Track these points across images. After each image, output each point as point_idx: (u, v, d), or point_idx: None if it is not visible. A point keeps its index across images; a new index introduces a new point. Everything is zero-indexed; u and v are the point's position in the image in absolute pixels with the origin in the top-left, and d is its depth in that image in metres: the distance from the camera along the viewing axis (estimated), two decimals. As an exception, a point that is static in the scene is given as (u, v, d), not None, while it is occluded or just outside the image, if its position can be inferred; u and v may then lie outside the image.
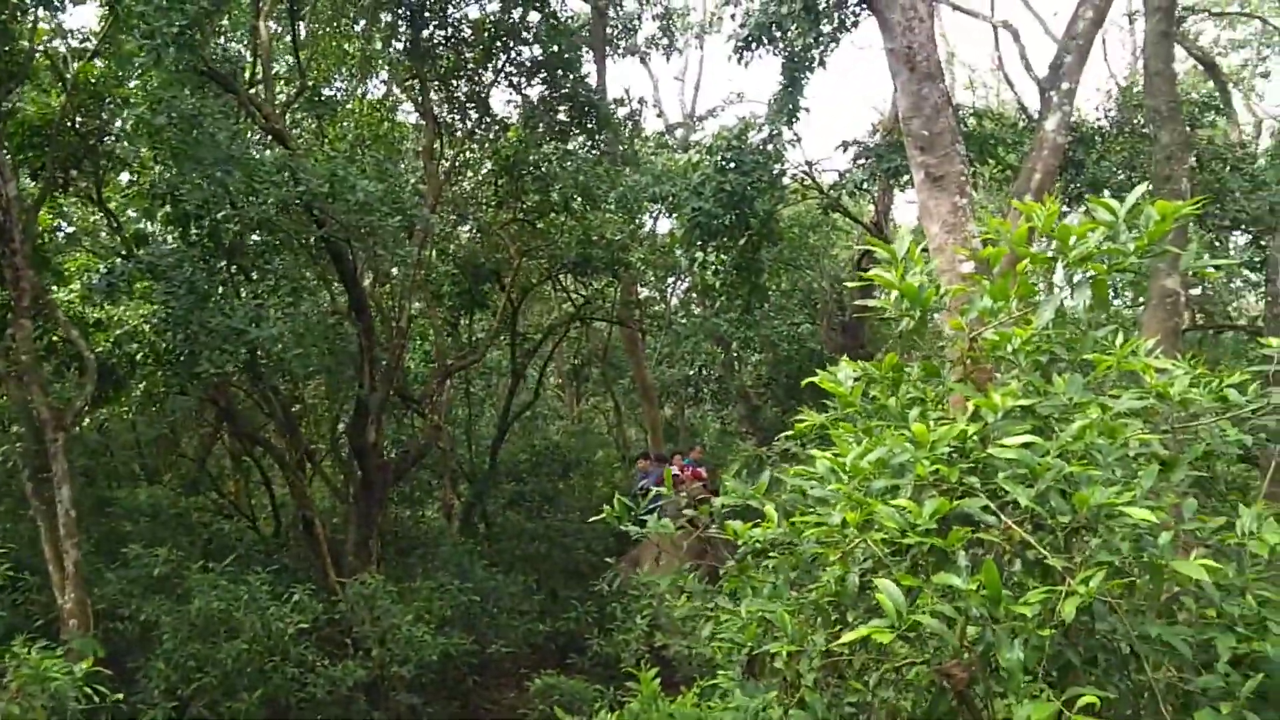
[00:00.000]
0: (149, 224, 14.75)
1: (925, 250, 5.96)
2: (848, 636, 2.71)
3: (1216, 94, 16.36)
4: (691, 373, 21.54)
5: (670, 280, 20.57)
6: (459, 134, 13.94)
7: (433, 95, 13.26)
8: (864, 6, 12.00)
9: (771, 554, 3.66)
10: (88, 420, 12.36)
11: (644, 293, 19.97)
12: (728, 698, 4.43)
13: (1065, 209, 19.78)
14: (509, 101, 14.26)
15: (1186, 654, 2.63)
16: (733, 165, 13.94)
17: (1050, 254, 3.29)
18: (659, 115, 33.46)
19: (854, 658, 3.31)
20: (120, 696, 6.37)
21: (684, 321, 18.98)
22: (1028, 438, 2.82)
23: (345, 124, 13.37)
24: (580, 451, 17.50)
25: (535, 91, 14.22)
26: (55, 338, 11.43)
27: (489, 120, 13.68)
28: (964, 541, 2.70)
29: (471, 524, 14.89)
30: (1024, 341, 3.07)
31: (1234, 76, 20.96)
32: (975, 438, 2.95)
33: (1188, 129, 11.59)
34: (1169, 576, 2.64)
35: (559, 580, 13.44)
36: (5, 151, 10.04)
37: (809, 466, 3.28)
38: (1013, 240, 3.34)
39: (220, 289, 10.62)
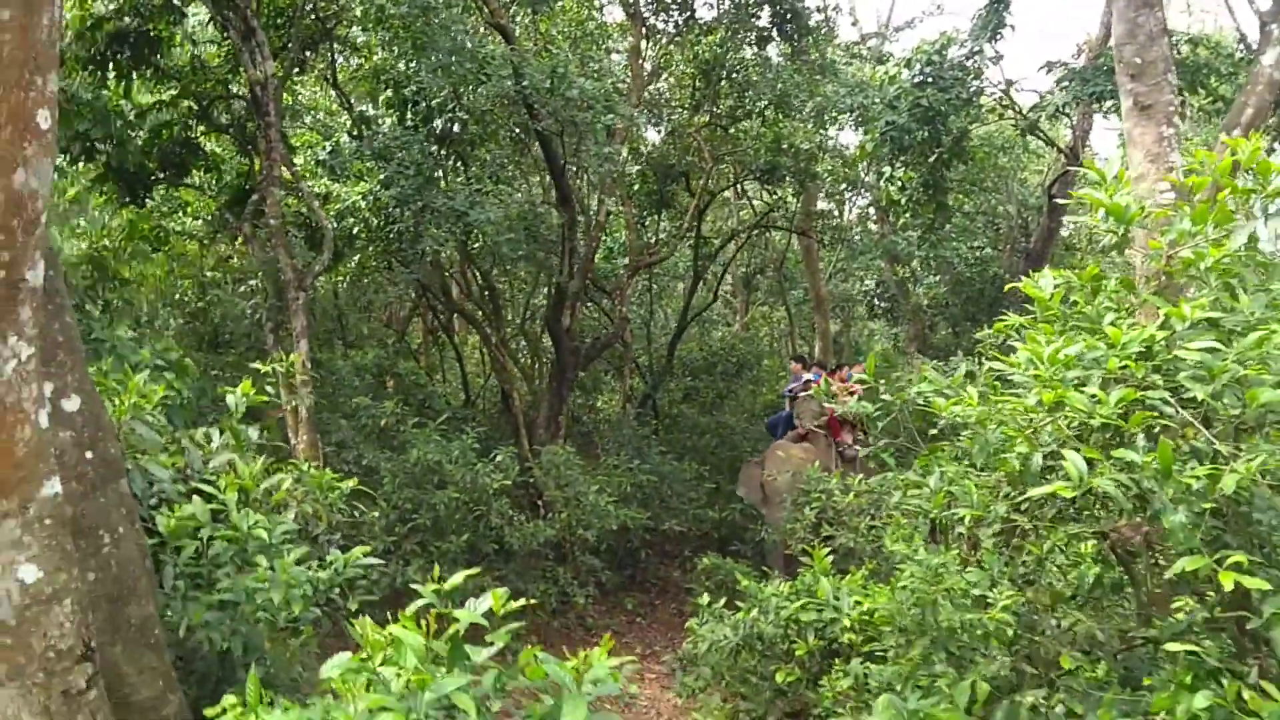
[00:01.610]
0: (370, 107, 15.89)
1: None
2: (1034, 492, 3.23)
3: None
4: (865, 288, 21.77)
5: (850, 194, 20.72)
6: (662, 36, 14.39)
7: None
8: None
9: (962, 436, 4.19)
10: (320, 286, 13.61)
11: (822, 205, 20.20)
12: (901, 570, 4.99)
13: (1276, 146, 18.94)
14: (710, 4, 14.49)
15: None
16: (930, 80, 14.00)
17: (1250, 187, 3.65)
18: (854, 24, 32.93)
19: (1031, 528, 3.84)
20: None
21: (861, 237, 19.20)
22: (1211, 343, 3.25)
23: (558, 20, 14.01)
24: (750, 356, 18.07)
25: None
26: (293, 207, 12.60)
27: (692, 22, 14.07)
28: (1143, 426, 3.18)
29: (646, 414, 15.76)
30: (1216, 261, 3.47)
31: None
32: (1162, 342, 3.39)
33: None
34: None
35: (725, 474, 14.16)
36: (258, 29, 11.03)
37: (1009, 361, 3.78)
38: (1216, 171, 3.70)
39: (440, 173, 11.55)
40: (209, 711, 2.72)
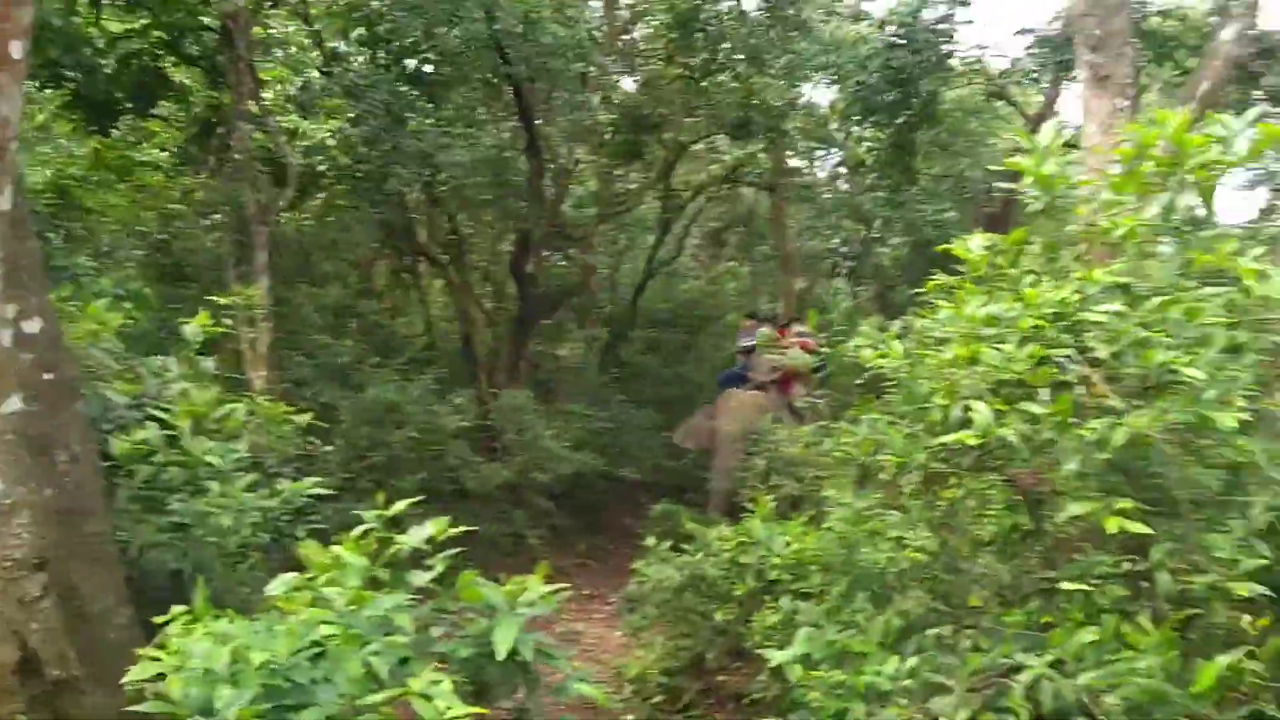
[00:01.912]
0: (342, 44, 15.81)
1: (1073, 147, 6.36)
2: (945, 438, 3.45)
3: None
4: (831, 247, 21.95)
5: (820, 153, 20.83)
6: (638, -13, 14.40)
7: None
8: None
9: (890, 389, 4.41)
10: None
11: (792, 162, 20.29)
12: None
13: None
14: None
15: (1211, 485, 3.30)
16: (903, 42, 14.10)
17: (1172, 159, 3.85)
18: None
19: (948, 475, 4.07)
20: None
21: (829, 196, 19.36)
22: (1117, 306, 3.46)
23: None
24: (715, 310, 18.25)
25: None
26: (260, 141, 12.58)
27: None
28: (1048, 381, 3.40)
29: (608, 363, 15.95)
30: (1130, 230, 3.67)
31: None
32: (1075, 304, 3.59)
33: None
34: (1210, 427, 3.27)
35: (684, 425, 14.36)
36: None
37: (932, 317, 3.99)
38: (1140, 143, 3.89)
39: (410, 114, 11.57)
40: (158, 620, 2.88)
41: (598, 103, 13.29)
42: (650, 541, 7.85)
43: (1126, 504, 3.13)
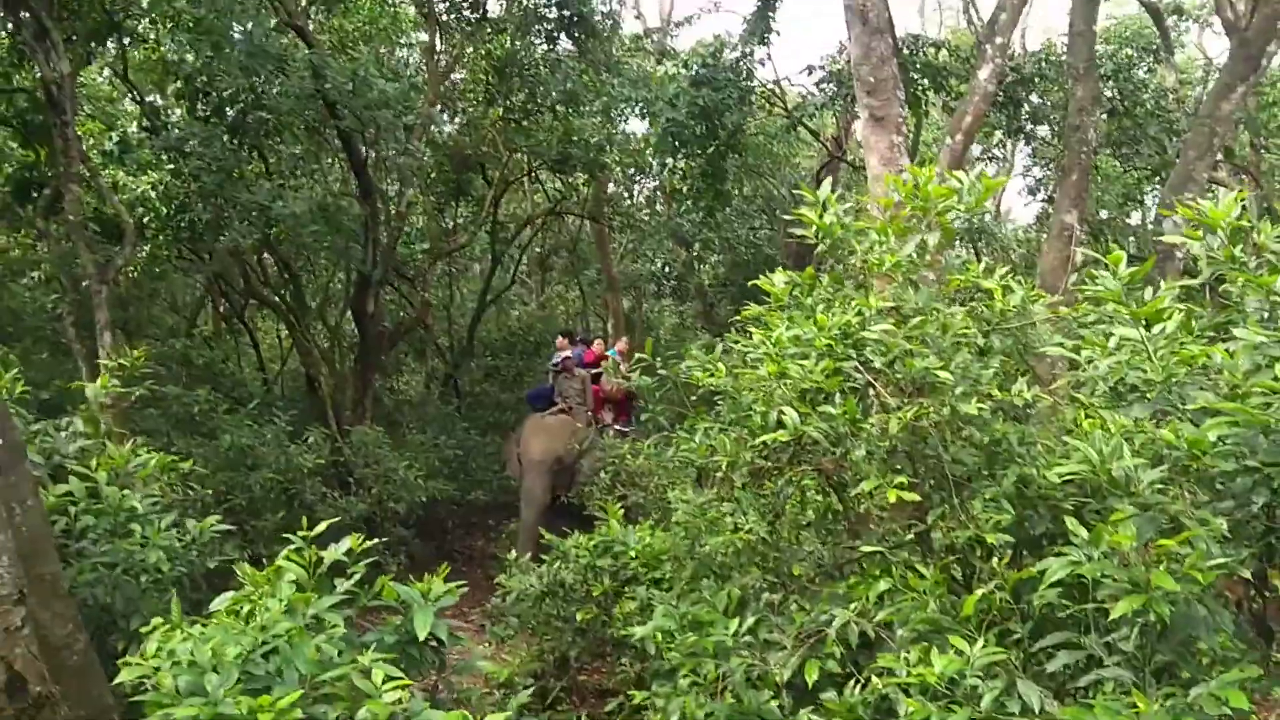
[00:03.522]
0: (159, 98, 15.85)
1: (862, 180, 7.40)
2: (763, 437, 4.33)
3: (1159, 40, 17.68)
4: (654, 269, 23.10)
5: (638, 179, 21.96)
6: (455, 33, 15.07)
7: (434, -4, 14.39)
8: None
9: (718, 401, 5.28)
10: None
11: (611, 188, 21.33)
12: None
13: (1007, 140, 21.33)
14: (504, 5, 15.26)
15: (969, 462, 4.29)
16: (706, 80, 15.24)
17: (923, 205, 4.87)
18: (637, 17, 34.22)
19: (770, 469, 4.96)
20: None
21: (649, 220, 20.47)
22: (888, 326, 4.43)
23: (353, 17, 14.47)
24: (547, 334, 18.98)
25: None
26: (90, 203, 12.64)
27: (484, 22, 14.81)
28: (840, 387, 4.33)
29: (449, 393, 16.50)
30: (895, 264, 4.65)
31: (1193, 11, 22.13)
32: (856, 325, 4.54)
33: (1099, 86, 13.07)
34: (961, 417, 4.25)
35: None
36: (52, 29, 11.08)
37: (748, 342, 4.88)
38: (903, 194, 4.90)
39: (242, 167, 11.91)
40: (144, 629, 3.45)
41: (423, 146, 13.88)
42: (511, 554, 8.54)
43: (903, 479, 4.08)
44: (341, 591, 3.76)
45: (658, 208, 21.85)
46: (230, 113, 12.24)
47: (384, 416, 14.41)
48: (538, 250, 23.36)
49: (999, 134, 20.89)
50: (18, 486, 3.80)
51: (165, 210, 12.71)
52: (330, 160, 15.27)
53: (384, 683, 3.41)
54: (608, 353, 13.03)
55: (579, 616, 7.63)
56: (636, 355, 6.75)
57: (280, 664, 3.31)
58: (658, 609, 4.95)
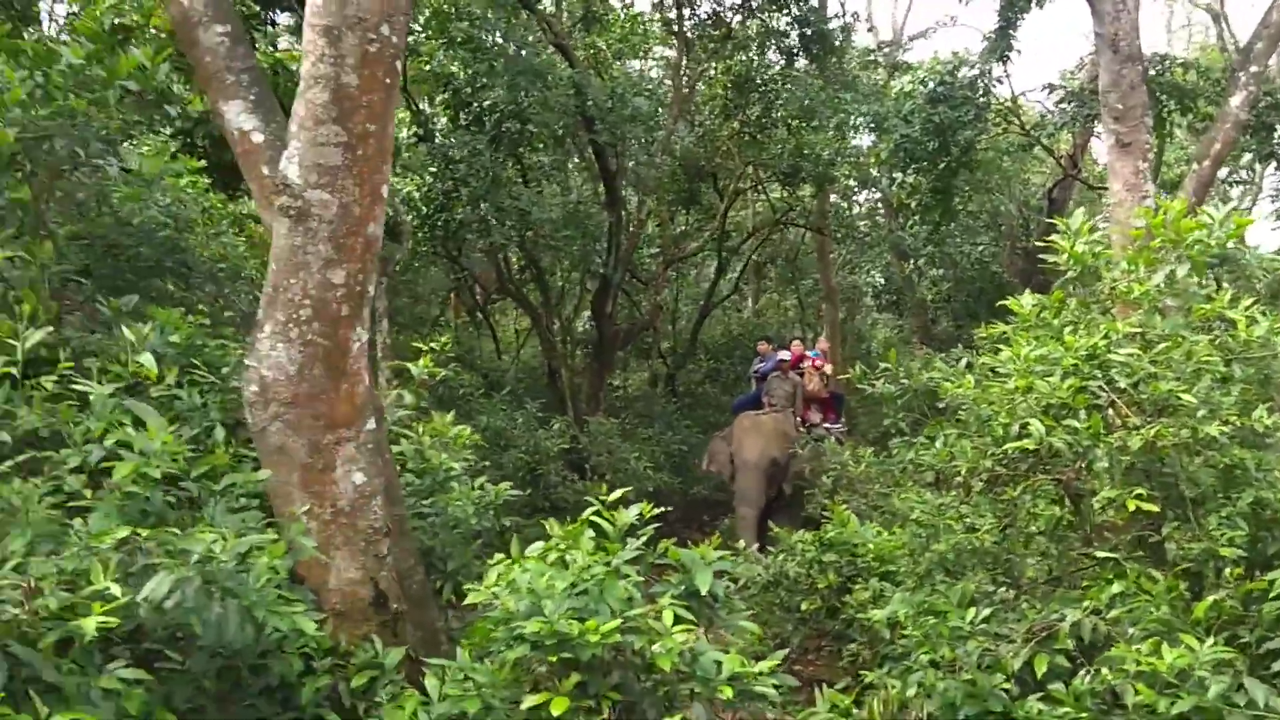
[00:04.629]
0: (426, 105, 17.38)
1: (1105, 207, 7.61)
2: (1008, 446, 4.76)
3: None
4: (871, 281, 23.28)
5: (861, 191, 22.21)
6: (700, 51, 15.85)
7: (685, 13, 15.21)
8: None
9: (961, 411, 5.72)
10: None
11: (832, 198, 21.66)
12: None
13: (1257, 163, 20.41)
14: (744, 22, 15.92)
15: (1209, 481, 4.59)
16: (942, 98, 15.43)
17: (1173, 238, 5.17)
18: (870, 29, 34.24)
19: (1007, 477, 5.36)
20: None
21: (870, 233, 20.71)
22: (1134, 350, 4.78)
23: (608, 35, 15.49)
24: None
25: (769, 15, 15.85)
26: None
27: (728, 40, 15.52)
28: (1085, 404, 4.71)
29: (672, 392, 17.34)
30: (1142, 293, 4.98)
31: None
32: (1103, 348, 4.90)
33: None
34: (1201, 439, 4.56)
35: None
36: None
37: (994, 357, 5.32)
38: (1149, 227, 5.21)
39: (505, 175, 13.04)
40: (490, 563, 4.26)
41: (665, 157, 14.71)
42: (740, 544, 9.13)
43: (1142, 490, 4.43)
44: (634, 548, 4.45)
45: (878, 219, 22.04)
46: (488, 122, 13.40)
47: (614, 409, 15.34)
48: (755, 259, 23.96)
49: (1247, 156, 20.05)
50: (381, 443, 4.68)
51: (426, 210, 13.99)
52: (576, 168, 16.34)
53: (674, 624, 4.08)
54: (809, 354, 13.29)
55: (803, 606, 8.15)
56: (841, 360, 7.03)
57: (592, 601, 4.02)
58: (895, 595, 5.44)
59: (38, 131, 5.01)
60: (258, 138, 4.74)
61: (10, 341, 3.63)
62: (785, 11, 15.03)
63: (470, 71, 12.87)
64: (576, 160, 15.27)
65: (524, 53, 11.92)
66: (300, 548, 3.92)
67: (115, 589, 3.06)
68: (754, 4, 15.14)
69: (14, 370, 3.73)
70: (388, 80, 4.19)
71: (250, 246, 14.13)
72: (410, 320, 16.85)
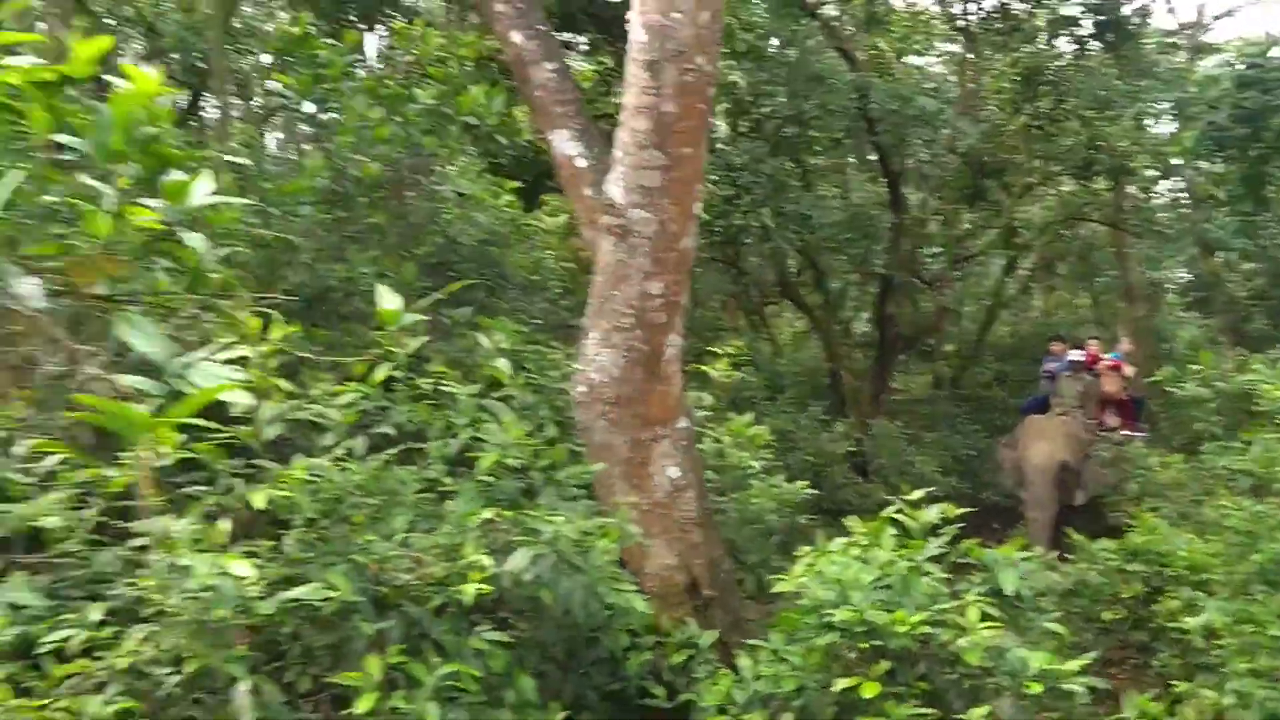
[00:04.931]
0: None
1: None
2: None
3: None
4: (1173, 276, 21.79)
5: (1162, 182, 20.84)
6: (986, 46, 15.50)
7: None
8: None
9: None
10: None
11: (1129, 190, 20.43)
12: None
13: None
14: (1032, 11, 15.40)
15: None
16: (1254, 81, 14.33)
17: None
18: (1169, 11, 32.01)
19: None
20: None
21: (1172, 226, 19.41)
22: None
23: (890, 35, 15.43)
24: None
25: (1058, 2, 15.26)
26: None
27: (1016, 31, 15.08)
28: None
29: (956, 395, 17.00)
30: None
31: None
32: None
33: None
34: None
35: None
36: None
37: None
38: None
39: (786, 179, 13.28)
40: (797, 554, 4.55)
41: (949, 155, 14.48)
42: (1038, 551, 8.95)
43: None
44: (936, 547, 4.59)
45: (1182, 212, 20.62)
46: (767, 128, 13.66)
47: (892, 413, 15.24)
48: (1045, 256, 22.97)
49: None
50: (692, 440, 5.07)
51: (706, 216, 14.42)
52: (854, 169, 16.35)
53: (979, 621, 4.20)
54: (1109, 355, 12.66)
55: (1105, 615, 7.90)
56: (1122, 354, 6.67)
57: (896, 594, 4.22)
58: (1210, 603, 5.27)
59: (394, 164, 5.76)
60: (581, 163, 5.25)
61: (391, 349, 4.25)
62: (1069, -4, 14.45)
63: (752, 80, 13.19)
64: (853, 161, 15.28)
65: (806, 58, 12.12)
66: (626, 534, 4.34)
67: (486, 560, 3.56)
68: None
69: (398, 372, 4.37)
70: (702, 106, 4.56)
71: (555, 259, 15.22)
72: (691, 324, 17.42)
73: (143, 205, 2.51)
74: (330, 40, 8.14)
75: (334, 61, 5.51)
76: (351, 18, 13.19)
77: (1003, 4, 15.11)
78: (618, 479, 4.77)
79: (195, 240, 2.51)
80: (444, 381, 4.57)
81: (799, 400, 12.77)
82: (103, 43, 2.56)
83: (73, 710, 2.85)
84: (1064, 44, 15.47)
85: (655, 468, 4.77)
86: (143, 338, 2.30)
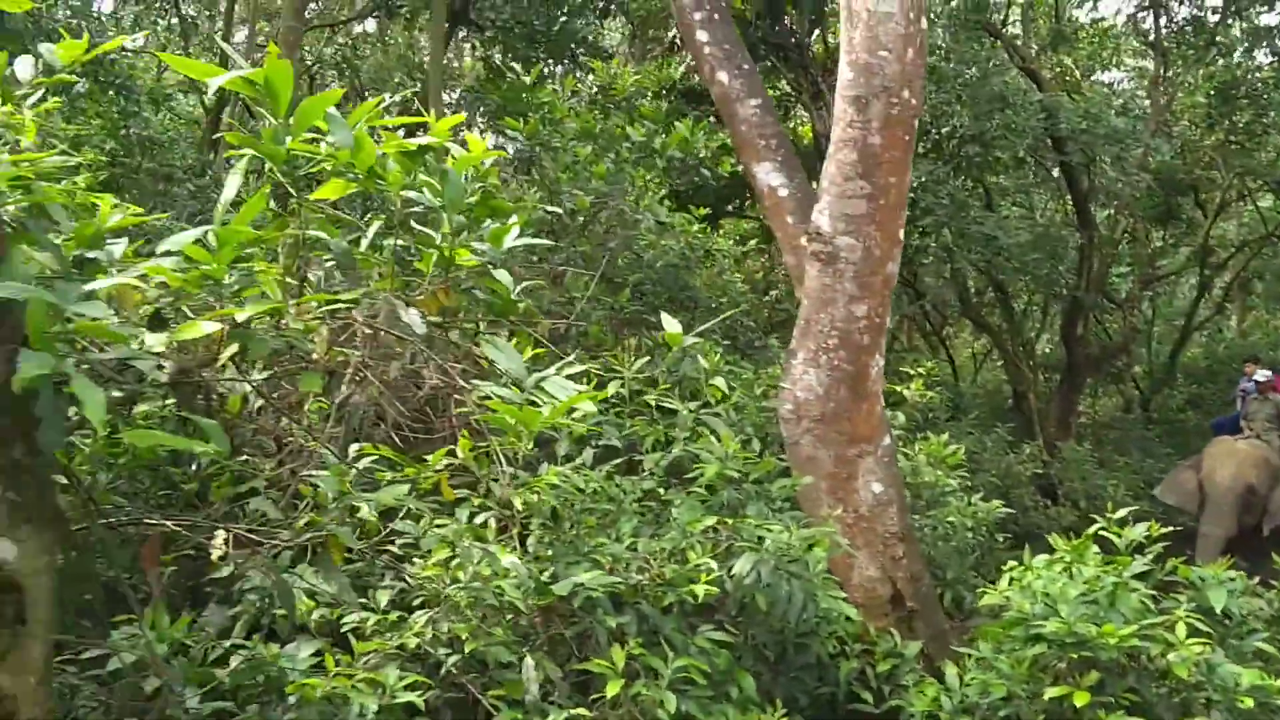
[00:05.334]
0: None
1: None
2: None
3: None
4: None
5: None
6: (1179, 61, 15.05)
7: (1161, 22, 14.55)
8: None
9: None
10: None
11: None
12: None
13: None
14: (1228, 23, 14.87)
15: None
16: None
17: None
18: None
19: None
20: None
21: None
22: None
23: (1078, 52, 15.18)
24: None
25: (1254, 13, 14.70)
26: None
27: (1211, 45, 14.60)
28: None
29: (1147, 418, 16.44)
30: None
31: None
32: None
33: None
34: None
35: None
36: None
37: None
38: None
39: (969, 200, 13.22)
40: (1004, 571, 4.70)
41: (1141, 173, 14.11)
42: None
43: None
44: (1142, 564, 4.65)
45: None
46: (947, 149, 13.60)
47: (1081, 436, 14.88)
48: (1241, 274, 21.94)
49: None
50: (893, 457, 5.27)
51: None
52: (1038, 188, 16.08)
53: (1187, 637, 4.26)
54: None
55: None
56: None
57: (1102, 609, 4.31)
58: None
59: (604, 197, 6.19)
60: (784, 193, 5.55)
61: (617, 369, 4.63)
62: (1274, 9, 13.89)
63: (931, 101, 13.18)
64: (1034, 179, 15.04)
65: (988, 78, 12.09)
66: (836, 544, 4.59)
67: (713, 564, 3.87)
68: (1239, 4, 14.13)
69: (624, 390, 4.76)
70: (906, 138, 4.80)
71: (744, 281, 15.56)
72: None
73: (468, 247, 2.96)
74: (526, 78, 8.75)
75: (556, 106, 5.97)
76: (541, 54, 13.89)
77: (1197, 16, 14.68)
78: (823, 493, 5.02)
79: (503, 276, 2.96)
80: (665, 398, 4.93)
81: (982, 421, 12.65)
82: (453, 118, 3.01)
83: (374, 681, 3.30)
84: (1263, 56, 14.91)
85: (860, 483, 5.00)
86: (505, 356, 2.73)
